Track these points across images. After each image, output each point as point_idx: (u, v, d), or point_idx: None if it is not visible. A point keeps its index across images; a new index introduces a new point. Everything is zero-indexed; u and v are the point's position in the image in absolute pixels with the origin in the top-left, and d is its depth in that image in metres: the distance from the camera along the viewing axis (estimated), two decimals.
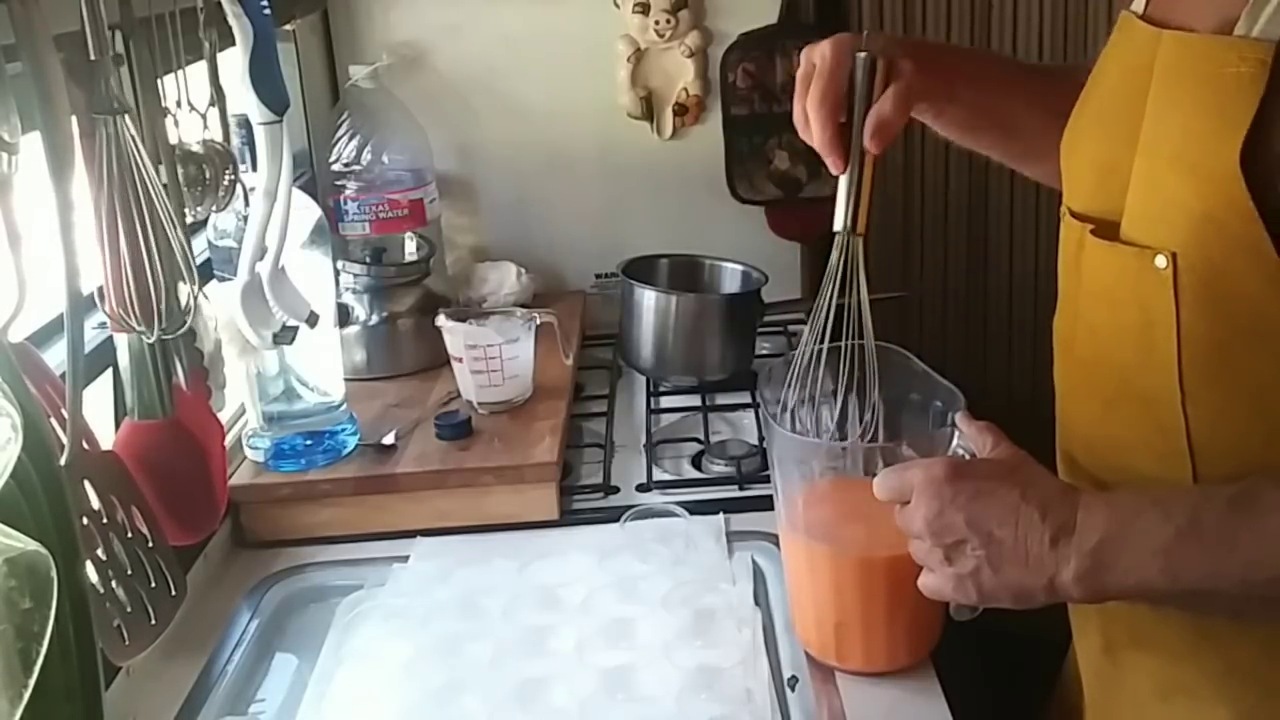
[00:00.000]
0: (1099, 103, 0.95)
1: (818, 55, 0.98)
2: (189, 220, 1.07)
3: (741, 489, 1.36)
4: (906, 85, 0.97)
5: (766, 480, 1.31)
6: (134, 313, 0.93)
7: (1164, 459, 0.86)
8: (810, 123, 0.98)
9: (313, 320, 1.23)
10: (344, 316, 1.57)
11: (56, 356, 0.96)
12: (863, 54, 0.97)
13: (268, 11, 1.11)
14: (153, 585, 0.95)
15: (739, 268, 1.70)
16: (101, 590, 0.89)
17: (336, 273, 1.56)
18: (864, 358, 1.02)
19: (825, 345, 1.01)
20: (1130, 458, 0.90)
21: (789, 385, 1.03)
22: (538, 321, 1.51)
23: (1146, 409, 0.87)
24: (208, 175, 1.08)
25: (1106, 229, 0.89)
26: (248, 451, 1.36)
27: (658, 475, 1.41)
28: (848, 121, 0.97)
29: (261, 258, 1.18)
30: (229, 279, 1.20)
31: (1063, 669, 1.14)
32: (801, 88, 0.99)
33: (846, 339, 1.02)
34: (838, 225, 0.98)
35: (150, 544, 0.96)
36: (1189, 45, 0.83)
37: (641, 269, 1.68)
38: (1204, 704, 0.90)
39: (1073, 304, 0.95)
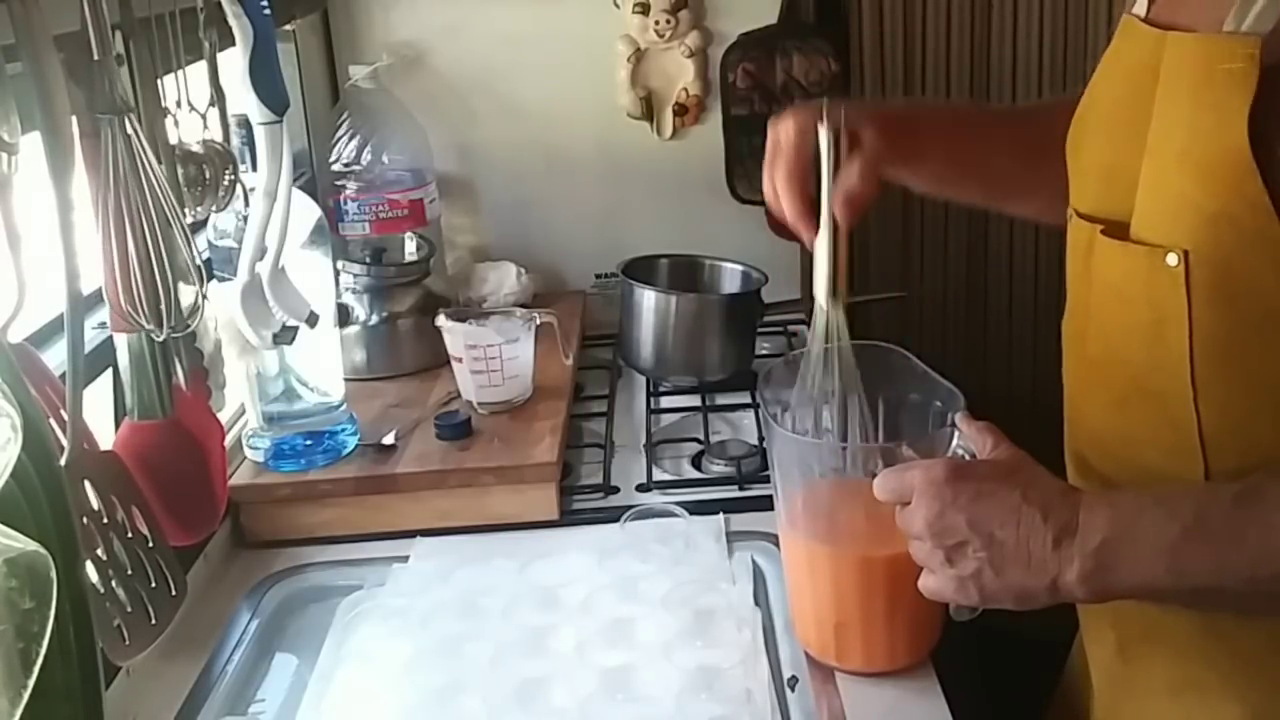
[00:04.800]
0: (1104, 106, 0.96)
1: (782, 131, 1.00)
2: (189, 220, 1.07)
3: (741, 489, 1.36)
4: (872, 155, 0.98)
5: (766, 480, 1.31)
6: (143, 311, 0.93)
7: (1176, 455, 0.87)
8: (780, 198, 1.00)
9: (313, 320, 1.23)
10: (344, 316, 1.57)
11: (56, 356, 0.96)
12: (824, 128, 0.98)
13: (268, 11, 1.11)
14: (153, 585, 0.95)
15: (739, 268, 1.70)
16: (101, 590, 0.89)
17: (336, 273, 1.56)
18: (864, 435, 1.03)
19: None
20: (1142, 454, 0.90)
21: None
22: (538, 321, 1.51)
23: (1158, 405, 0.87)
24: (208, 175, 1.08)
25: (1116, 229, 0.90)
26: (248, 451, 1.36)
27: (658, 475, 1.41)
28: (818, 194, 0.99)
29: (261, 258, 1.17)
30: (229, 279, 1.20)
31: (1066, 669, 1.14)
32: (769, 164, 1.01)
33: (839, 427, 1.02)
34: (819, 297, 1.00)
35: (150, 544, 0.96)
36: (1185, 45, 0.84)
37: (641, 269, 1.68)
38: (1215, 699, 0.91)
39: (1083, 304, 0.95)
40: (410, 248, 1.73)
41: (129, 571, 0.93)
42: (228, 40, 1.11)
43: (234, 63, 1.12)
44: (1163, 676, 0.94)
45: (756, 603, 1.15)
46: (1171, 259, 0.83)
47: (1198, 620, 0.90)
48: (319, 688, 1.08)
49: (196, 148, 1.08)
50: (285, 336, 1.21)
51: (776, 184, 1.00)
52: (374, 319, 1.62)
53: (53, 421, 0.85)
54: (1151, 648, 0.95)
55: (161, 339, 0.97)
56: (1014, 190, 1.13)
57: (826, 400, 1.05)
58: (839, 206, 0.97)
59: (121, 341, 1.00)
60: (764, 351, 1.68)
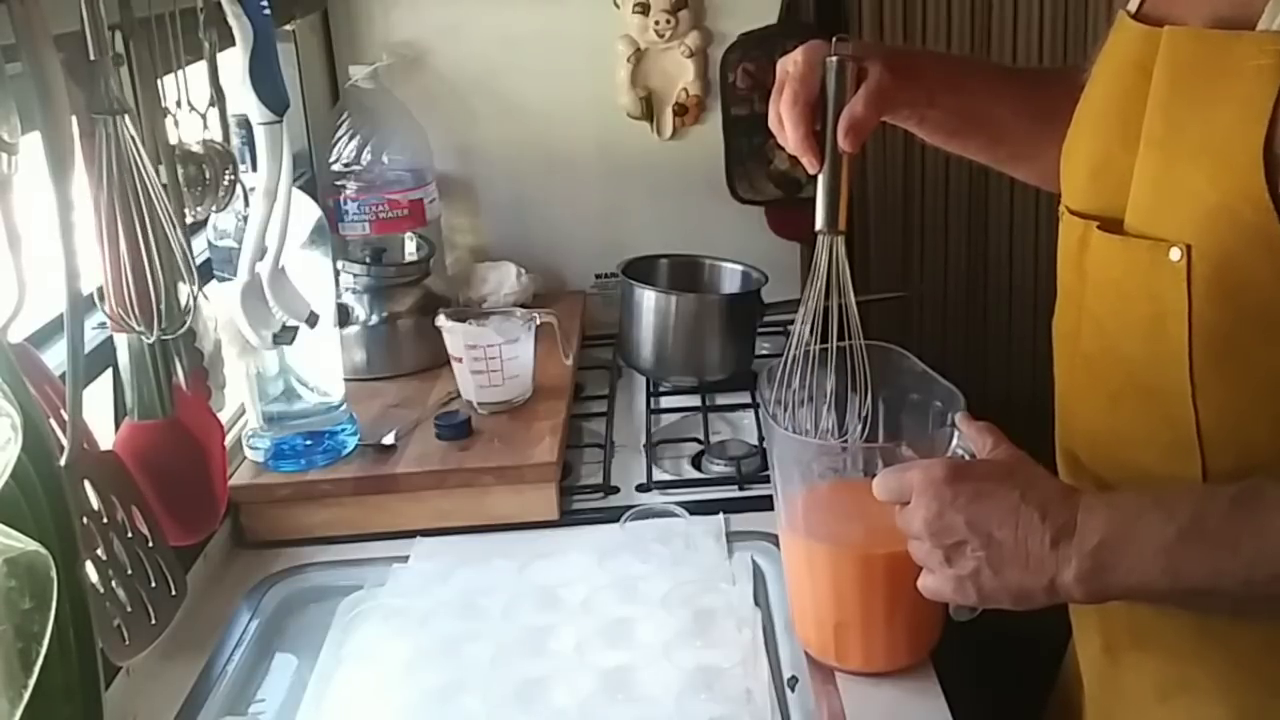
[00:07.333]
0: (1095, 102, 0.96)
1: (790, 62, 1.01)
2: (189, 220, 1.07)
3: (741, 489, 1.36)
4: (876, 85, 0.99)
5: (766, 480, 1.31)
6: (134, 313, 0.93)
7: (1172, 452, 0.86)
8: (784, 125, 1.00)
9: (313, 320, 1.23)
10: (344, 316, 1.57)
11: (56, 356, 0.96)
12: (833, 58, 0.99)
13: (268, 11, 1.11)
14: (153, 585, 0.95)
15: (739, 268, 1.70)
16: (101, 590, 0.89)
17: (336, 273, 1.56)
18: (857, 356, 1.03)
19: (820, 346, 1.02)
20: (1137, 452, 0.90)
21: (778, 385, 1.03)
22: (538, 321, 1.51)
23: (1155, 402, 0.87)
24: (208, 175, 1.08)
25: (1110, 225, 0.89)
26: (248, 451, 1.36)
27: (658, 475, 1.41)
28: (823, 124, 0.99)
29: (261, 258, 1.18)
30: (229, 279, 1.20)
31: (1060, 671, 1.14)
32: (775, 94, 1.01)
33: (835, 339, 1.02)
34: (819, 224, 1.00)
35: (150, 544, 0.96)
36: (1204, 40, 0.83)
37: (641, 269, 1.68)
38: (1205, 703, 0.90)
39: (1075, 301, 0.95)
40: (410, 248, 1.73)
41: (129, 571, 0.93)
42: (228, 40, 1.11)
43: (234, 63, 1.12)
44: (1152, 679, 0.94)
45: (756, 603, 1.15)
46: (1174, 254, 0.83)
47: (1190, 622, 0.89)
48: (319, 688, 1.08)
49: (196, 148, 1.08)
50: (285, 336, 1.22)
51: (781, 111, 1.00)
52: (374, 319, 1.63)
53: (53, 421, 0.85)
54: (1140, 650, 0.95)
55: (151, 340, 0.97)
56: (1020, 150, 1.12)
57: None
58: (841, 134, 0.98)
59: (121, 341, 1.00)
60: (764, 351, 1.68)
